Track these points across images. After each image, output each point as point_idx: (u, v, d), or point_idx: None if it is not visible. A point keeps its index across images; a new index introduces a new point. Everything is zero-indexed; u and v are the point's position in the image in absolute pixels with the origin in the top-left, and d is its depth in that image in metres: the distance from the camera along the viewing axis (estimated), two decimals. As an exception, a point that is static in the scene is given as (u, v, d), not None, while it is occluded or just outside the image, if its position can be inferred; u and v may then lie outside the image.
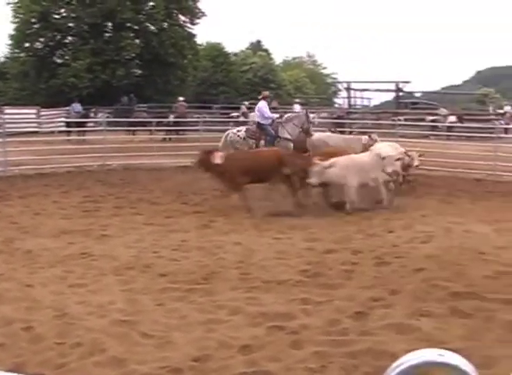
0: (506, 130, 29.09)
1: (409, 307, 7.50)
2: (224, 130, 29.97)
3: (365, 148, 17.30)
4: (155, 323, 7.03)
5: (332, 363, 5.93)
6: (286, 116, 20.01)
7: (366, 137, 19.00)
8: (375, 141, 18.28)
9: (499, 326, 6.91)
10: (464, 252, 10.28)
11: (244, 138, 19.14)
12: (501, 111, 45.42)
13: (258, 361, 6.00)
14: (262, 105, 19.69)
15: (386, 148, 15.51)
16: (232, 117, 39.86)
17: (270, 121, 19.25)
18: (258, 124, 19.44)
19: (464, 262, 9.68)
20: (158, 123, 31.41)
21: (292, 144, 18.77)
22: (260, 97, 20.68)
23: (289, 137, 18.84)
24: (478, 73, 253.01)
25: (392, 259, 9.76)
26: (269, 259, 9.76)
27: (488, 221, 12.87)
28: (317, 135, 20.01)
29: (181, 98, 38.69)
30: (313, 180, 13.60)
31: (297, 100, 45.81)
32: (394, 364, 1.66)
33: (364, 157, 14.70)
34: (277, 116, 20.06)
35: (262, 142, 18.91)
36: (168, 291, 8.24)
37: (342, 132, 28.32)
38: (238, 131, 19.64)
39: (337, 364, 5.90)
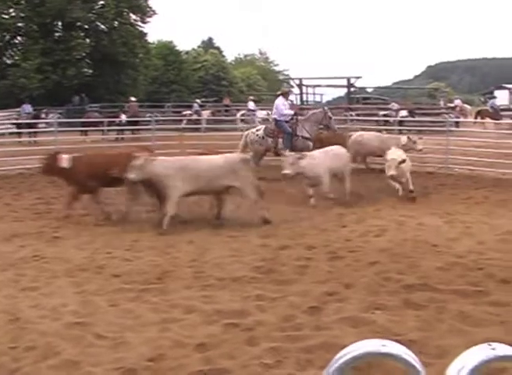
0: (456, 124, 29.42)
1: (363, 300, 7.56)
2: (176, 129, 30.09)
3: (404, 149, 17.15)
4: (109, 324, 6.97)
5: (288, 358, 5.94)
6: (306, 113, 19.97)
7: (405, 137, 18.78)
8: (414, 142, 18.20)
9: (451, 316, 7.01)
10: (417, 245, 10.42)
11: (263, 137, 19.09)
12: (451, 105, 45.99)
13: (214, 359, 5.98)
14: (279, 101, 19.46)
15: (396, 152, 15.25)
16: (184, 115, 39.69)
17: (288, 118, 19.10)
18: (276, 121, 19.29)
19: (416, 254, 9.82)
20: (110, 123, 31.20)
21: (311, 143, 18.61)
22: (278, 93, 20.58)
23: (307, 135, 18.76)
24: (429, 67, 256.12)
25: (346, 254, 9.83)
26: (223, 257, 9.75)
27: (440, 214, 13.03)
28: (355, 135, 20.00)
29: (133, 98, 38.49)
30: (132, 175, 12.01)
31: (251, 97, 45.79)
32: (337, 355, 1.67)
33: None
34: (295, 112, 19.86)
35: (280, 140, 18.89)
36: (122, 291, 8.16)
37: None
38: (257, 130, 19.55)
39: (292, 359, 5.91)
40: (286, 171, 13.87)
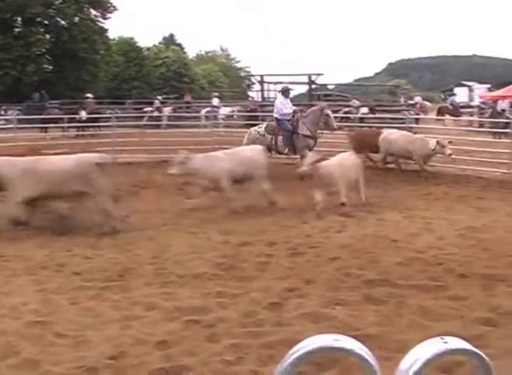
0: (417, 121, 29.66)
1: (323, 296, 7.60)
2: (137, 126, 29.92)
3: (432, 153, 17.07)
4: (70, 323, 6.91)
5: (249, 354, 5.95)
6: (307, 111, 19.14)
7: (434, 141, 17.66)
8: (443, 146, 17.28)
9: (411, 311, 7.09)
10: (377, 240, 10.51)
11: (263, 134, 18.73)
12: (412, 102, 46.34)
13: (175, 356, 5.97)
14: (278, 100, 19.17)
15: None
16: (145, 112, 39.49)
17: (290, 116, 18.63)
18: (276, 120, 18.87)
19: (376, 250, 9.90)
20: (71, 120, 30.91)
21: (311, 141, 18.21)
22: (279, 91, 20.28)
23: (308, 133, 18.24)
24: (390, 64, 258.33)
25: (307, 250, 9.88)
26: (184, 254, 9.73)
27: (400, 209, 13.15)
28: (385, 133, 19.17)
29: (89, 95, 38.10)
30: None
31: (216, 94, 45.75)
32: (291, 351, 1.68)
33: None
34: (295, 109, 19.15)
35: (280, 138, 18.51)
36: (83, 289, 8.10)
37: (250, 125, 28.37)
38: (259, 127, 19.22)
39: (253, 355, 5.93)
40: (171, 171, 13.26)
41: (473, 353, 1.75)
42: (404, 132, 19.81)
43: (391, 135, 18.99)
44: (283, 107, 18.74)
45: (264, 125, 19.32)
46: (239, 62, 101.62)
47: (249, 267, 8.97)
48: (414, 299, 7.46)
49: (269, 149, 18.29)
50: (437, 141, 17.43)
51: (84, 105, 36.36)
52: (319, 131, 18.62)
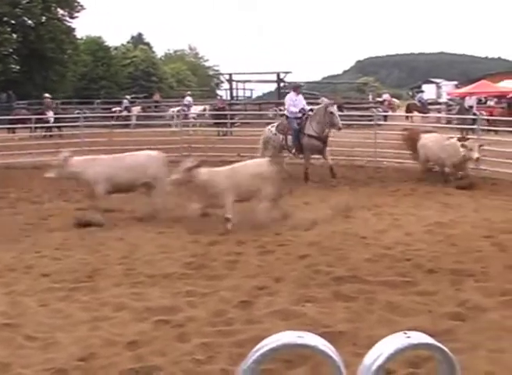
0: (385, 118, 29.88)
1: (293, 293, 7.63)
2: (106, 126, 29.79)
3: (464, 159, 15.95)
4: (39, 325, 6.87)
5: (219, 353, 5.96)
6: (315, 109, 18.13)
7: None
8: (470, 149, 15.76)
9: (380, 307, 7.14)
10: (346, 237, 10.57)
11: (275, 134, 18.23)
12: (380, 99, 46.68)
13: (145, 356, 5.96)
14: (288, 97, 18.64)
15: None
16: (114, 112, 39.33)
17: (298, 114, 17.85)
18: (286, 118, 18.40)
19: (345, 246, 9.96)
20: (38, 120, 30.67)
21: (317, 142, 17.30)
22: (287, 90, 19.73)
23: (313, 133, 17.28)
24: (358, 62, 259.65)
25: (276, 248, 9.90)
26: (153, 254, 9.71)
27: (369, 206, 13.22)
28: (424, 136, 17.55)
29: (47, 95, 37.70)
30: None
31: (189, 92, 45.68)
32: (255, 348, 1.69)
33: None
34: (306, 107, 18.18)
35: (290, 137, 17.89)
36: (52, 291, 8.05)
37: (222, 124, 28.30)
38: (272, 126, 18.69)
39: (224, 354, 5.93)
40: (48, 174, 12.22)
41: (436, 347, 1.77)
42: (441, 136, 17.80)
43: (427, 139, 17.36)
44: (291, 104, 18.16)
45: (276, 123, 18.83)
46: (207, 60, 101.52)
47: (218, 266, 8.97)
48: (383, 295, 7.51)
49: (282, 148, 18.17)
50: (462, 144, 15.93)
51: (44, 106, 36.04)
52: (327, 130, 17.44)
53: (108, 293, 7.87)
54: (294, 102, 18.15)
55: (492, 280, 8.11)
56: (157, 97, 51.67)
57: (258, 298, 7.51)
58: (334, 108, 17.56)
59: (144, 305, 7.33)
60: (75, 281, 8.38)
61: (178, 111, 34.99)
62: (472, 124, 21.76)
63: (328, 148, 17.63)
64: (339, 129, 17.60)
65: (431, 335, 5.25)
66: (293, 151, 18.05)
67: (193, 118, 34.43)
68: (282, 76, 49.87)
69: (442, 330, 6.33)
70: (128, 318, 6.99)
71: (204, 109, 37.69)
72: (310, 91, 58.42)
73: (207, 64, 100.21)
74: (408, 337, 1.75)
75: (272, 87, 56.86)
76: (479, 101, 39.52)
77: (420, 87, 67.80)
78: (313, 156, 17.92)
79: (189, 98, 41.92)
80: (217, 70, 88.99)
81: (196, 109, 37.13)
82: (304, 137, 17.46)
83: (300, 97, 18.60)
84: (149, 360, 5.86)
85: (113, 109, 41.38)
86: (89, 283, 8.29)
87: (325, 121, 17.13)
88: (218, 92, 61.95)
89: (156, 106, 48.09)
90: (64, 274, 8.73)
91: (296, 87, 19.33)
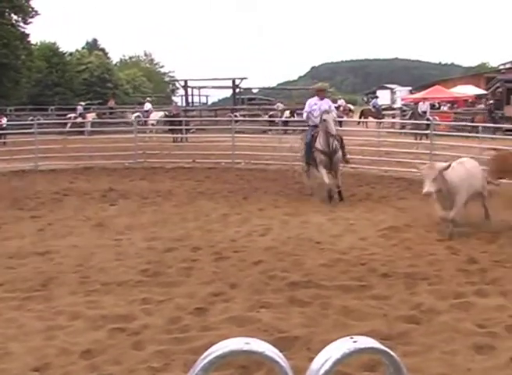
0: (340, 123, 30.05)
1: (248, 299, 7.64)
2: (61, 133, 29.55)
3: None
4: (-8, 335, 6.78)
5: (175, 361, 5.94)
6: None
7: None
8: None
9: (335, 311, 7.19)
10: (301, 243, 10.62)
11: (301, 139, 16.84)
12: (335, 104, 47.02)
13: (100, 365, 5.92)
14: (307, 102, 16.55)
15: None
16: (69, 119, 39.02)
17: (315, 122, 15.58)
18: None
19: (301, 252, 10.01)
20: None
21: (323, 156, 15.15)
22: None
23: (319, 147, 15.25)
24: (313, 68, 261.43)
25: (231, 254, 9.91)
26: (108, 261, 9.62)
27: (324, 211, 13.30)
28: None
29: None
30: None
31: (148, 98, 45.51)
32: (202, 355, 1.70)
33: None
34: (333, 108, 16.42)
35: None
36: (5, 300, 7.92)
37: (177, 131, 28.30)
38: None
39: (179, 361, 5.92)
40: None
41: (382, 351, 1.80)
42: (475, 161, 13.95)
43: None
44: (308, 111, 16.04)
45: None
46: (163, 66, 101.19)
47: (174, 273, 8.93)
48: (338, 300, 7.57)
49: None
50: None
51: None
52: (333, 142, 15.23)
53: (63, 301, 7.79)
54: (312, 108, 15.93)
55: (445, 283, 8.23)
56: (111, 103, 51.41)
57: (214, 304, 7.51)
58: (328, 116, 15.26)
59: (99, 314, 7.27)
60: (29, 290, 8.27)
61: (136, 117, 34.87)
62: (425, 129, 22.04)
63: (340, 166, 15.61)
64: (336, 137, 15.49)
65: (385, 339, 5.33)
66: (305, 169, 16.30)
67: (153, 124, 34.27)
68: (237, 82, 49.95)
69: (397, 333, 6.42)
70: (83, 326, 6.93)
71: (165, 115, 37.60)
72: (265, 96, 58.71)
73: (162, 70, 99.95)
74: (355, 341, 1.77)
75: (228, 93, 56.97)
76: (432, 107, 39.97)
77: (374, 92, 68.59)
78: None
79: (149, 105, 41.79)
80: (173, 76, 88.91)
81: (156, 116, 36.97)
82: (314, 151, 15.40)
83: (326, 101, 16.26)
84: (104, 369, 5.83)
85: (68, 116, 41.04)
86: (43, 292, 8.19)
87: (325, 131, 15.17)
88: (174, 98, 61.90)
89: (111, 113, 47.81)
90: (18, 283, 8.60)
91: (320, 90, 17.19)
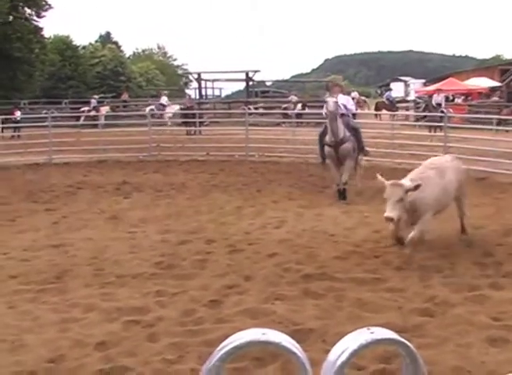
0: (353, 116, 29.97)
1: (263, 292, 7.65)
2: (74, 126, 29.61)
3: None
4: (7, 327, 6.79)
5: (189, 353, 5.95)
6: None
7: None
8: None
9: (350, 304, 7.19)
10: (315, 235, 10.61)
11: None
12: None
13: (115, 357, 5.92)
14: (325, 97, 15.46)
15: None
16: (82, 112, 39.08)
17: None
18: None
19: (315, 244, 10.00)
20: (6, 120, 30.38)
21: (330, 150, 14.56)
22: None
23: (326, 140, 14.67)
24: (327, 61, 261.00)
25: (245, 246, 9.92)
26: (123, 254, 9.65)
27: (337, 204, 13.28)
28: None
29: None
30: None
31: (165, 92, 45.52)
32: (219, 346, 1.69)
33: None
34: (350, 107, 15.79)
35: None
36: (20, 292, 7.96)
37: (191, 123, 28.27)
38: None
39: (194, 353, 5.92)
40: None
41: (399, 343, 1.78)
42: None
43: None
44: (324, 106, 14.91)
45: None
46: (176, 59, 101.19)
47: (188, 265, 8.95)
48: (353, 292, 7.57)
49: None
50: None
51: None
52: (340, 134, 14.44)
53: (78, 294, 7.82)
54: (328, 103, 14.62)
55: (460, 276, 8.20)
56: (125, 96, 51.45)
57: (228, 296, 7.52)
58: (330, 98, 14.47)
59: (113, 306, 7.29)
60: (43, 283, 8.30)
61: (151, 110, 34.86)
62: (439, 121, 21.95)
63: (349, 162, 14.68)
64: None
65: (400, 331, 5.30)
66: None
67: (169, 117, 34.31)
68: (250, 74, 49.86)
69: (412, 325, 6.41)
70: (97, 319, 6.94)
71: (180, 109, 37.61)
72: (278, 89, 58.60)
73: (175, 63, 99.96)
74: (372, 332, 1.76)
75: (241, 86, 56.88)
76: (447, 99, 39.81)
77: (388, 85, 68.30)
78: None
79: (165, 98, 41.78)
80: (186, 69, 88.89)
81: (173, 109, 36.94)
82: (324, 144, 14.84)
83: (340, 97, 15.30)
84: (119, 361, 5.83)
85: (81, 109, 41.11)
86: (58, 285, 8.22)
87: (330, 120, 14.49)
88: (187, 91, 61.89)
89: (124, 106, 47.86)
90: (32, 276, 8.64)
91: (334, 85, 16.83)
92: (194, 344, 6.15)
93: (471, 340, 6.12)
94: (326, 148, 14.74)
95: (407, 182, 8.87)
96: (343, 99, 15.38)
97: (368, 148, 16.22)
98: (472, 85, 49.42)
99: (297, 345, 1.72)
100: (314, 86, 68.92)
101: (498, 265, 8.77)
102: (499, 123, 23.05)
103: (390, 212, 8.64)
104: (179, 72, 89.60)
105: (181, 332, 6.48)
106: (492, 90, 48.63)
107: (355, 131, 15.09)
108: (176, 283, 8.12)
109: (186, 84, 75.06)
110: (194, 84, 56.30)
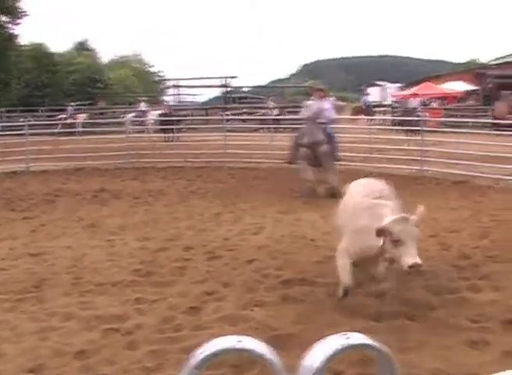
0: (332, 121, 30.12)
1: (242, 298, 7.65)
2: (51, 134, 29.48)
3: None
4: (-15, 337, 6.77)
5: (168, 360, 5.94)
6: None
7: None
8: None
9: (329, 309, 7.20)
10: (294, 240, 10.64)
11: None
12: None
13: (94, 366, 5.90)
14: (307, 104, 16.40)
15: None
16: (59, 119, 38.94)
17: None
18: None
19: (294, 249, 10.02)
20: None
21: (306, 150, 15.18)
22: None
23: (303, 140, 15.33)
24: (305, 66, 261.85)
25: (224, 252, 9.92)
26: (101, 262, 9.60)
27: (316, 208, 13.30)
28: None
29: None
30: None
31: (144, 98, 45.45)
32: (194, 354, 1.71)
33: None
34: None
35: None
36: (-2, 302, 7.94)
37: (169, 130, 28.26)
38: None
39: (173, 360, 5.91)
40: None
41: (375, 348, 1.81)
42: None
43: None
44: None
45: None
46: (152, 66, 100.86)
47: (167, 272, 8.93)
48: (332, 297, 7.57)
49: None
50: None
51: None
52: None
53: (56, 303, 7.78)
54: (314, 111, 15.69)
55: (439, 279, 8.26)
56: (101, 104, 51.33)
57: (207, 303, 7.51)
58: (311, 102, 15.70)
59: (92, 314, 7.26)
60: (22, 292, 8.24)
61: (132, 117, 34.79)
62: (416, 125, 22.11)
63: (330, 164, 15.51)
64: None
65: (380, 335, 5.30)
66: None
67: (152, 123, 34.28)
68: (228, 80, 49.96)
69: (391, 329, 6.43)
70: (76, 327, 6.91)
71: (160, 115, 37.58)
72: (256, 95, 58.73)
73: (152, 70, 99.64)
74: (347, 337, 1.79)
75: (219, 92, 56.99)
76: (423, 104, 40.05)
77: (365, 89, 68.57)
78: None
79: (144, 105, 41.73)
80: (162, 76, 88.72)
81: (154, 115, 36.90)
82: (299, 146, 15.55)
83: (322, 102, 16.09)
84: (98, 369, 5.82)
85: (58, 117, 40.96)
86: (36, 294, 8.16)
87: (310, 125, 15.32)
88: (165, 98, 61.85)
89: (101, 113, 47.74)
90: (10, 285, 8.57)
91: (316, 90, 17.13)
92: (173, 351, 6.15)
93: (452, 342, 6.17)
94: (303, 150, 15.18)
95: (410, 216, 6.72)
96: (324, 104, 15.94)
97: (340, 154, 16.64)
98: (448, 89, 49.76)
99: (273, 352, 1.74)
100: (293, 91, 69.21)
101: (475, 267, 8.86)
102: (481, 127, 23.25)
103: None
104: (156, 79, 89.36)
105: (160, 339, 6.47)
106: (468, 93, 49.00)
107: (330, 137, 15.27)
108: (155, 290, 8.10)
109: (163, 91, 74.93)
110: (172, 91, 56.27)
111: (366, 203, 7.13)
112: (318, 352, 1.75)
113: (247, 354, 1.74)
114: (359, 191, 7.63)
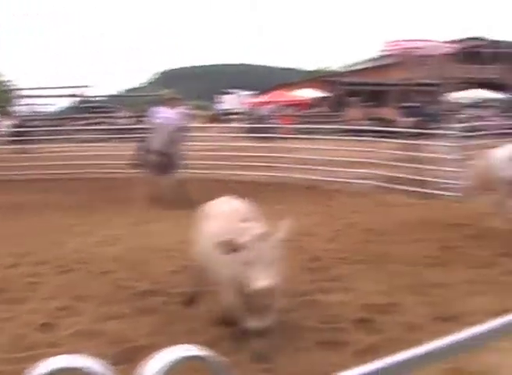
0: (185, 130, 30.21)
1: (96, 311, 7.58)
2: None
3: None
4: None
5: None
6: None
7: None
8: None
9: (183, 318, 7.25)
10: (149, 251, 10.61)
11: None
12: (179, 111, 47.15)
13: None
14: (154, 110, 16.70)
15: None
16: None
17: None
18: None
19: (149, 260, 10.01)
20: None
21: (155, 158, 15.51)
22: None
23: (153, 147, 15.62)
24: (163, 74, 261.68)
25: (78, 265, 9.77)
26: None
27: (169, 218, 13.31)
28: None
29: None
30: None
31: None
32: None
33: None
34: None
35: None
36: None
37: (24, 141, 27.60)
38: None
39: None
40: None
41: (205, 358, 1.89)
42: None
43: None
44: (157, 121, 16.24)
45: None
46: (3, 75, 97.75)
47: (18, 289, 8.71)
48: (184, 306, 7.64)
49: None
50: None
51: None
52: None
53: None
54: (159, 118, 16.34)
55: (291, 282, 8.45)
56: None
57: (60, 319, 7.39)
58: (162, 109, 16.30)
59: None
60: None
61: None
62: (266, 133, 22.59)
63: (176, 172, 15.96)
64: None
65: (230, 343, 5.39)
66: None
67: (4, 134, 33.23)
68: (80, 90, 49.25)
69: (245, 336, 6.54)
70: None
71: (13, 126, 36.45)
72: (110, 104, 58.14)
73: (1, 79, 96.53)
74: (187, 349, 1.85)
75: (72, 101, 56.06)
76: (274, 111, 40.81)
77: (220, 97, 69.23)
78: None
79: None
80: (9, 85, 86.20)
81: (4, 126, 35.74)
82: (148, 153, 15.88)
83: (174, 112, 16.59)
84: None
85: None
86: None
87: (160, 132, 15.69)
88: (15, 108, 60.11)
89: None
90: None
91: (170, 99, 17.40)
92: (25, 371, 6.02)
93: (307, 344, 6.40)
94: (151, 156, 15.45)
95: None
96: (173, 112, 16.29)
97: (189, 162, 16.93)
98: (299, 96, 50.98)
99: (110, 368, 1.79)
100: (148, 100, 68.94)
101: (325, 269, 9.16)
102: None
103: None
104: (3, 88, 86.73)
105: (12, 359, 6.31)
106: (320, 100, 50.36)
107: (177, 145, 15.91)
108: (6, 307, 7.88)
109: (14, 101, 72.77)
110: (23, 101, 54.83)
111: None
112: (153, 365, 1.82)
113: (80, 372, 1.78)
114: (222, 213, 6.81)
